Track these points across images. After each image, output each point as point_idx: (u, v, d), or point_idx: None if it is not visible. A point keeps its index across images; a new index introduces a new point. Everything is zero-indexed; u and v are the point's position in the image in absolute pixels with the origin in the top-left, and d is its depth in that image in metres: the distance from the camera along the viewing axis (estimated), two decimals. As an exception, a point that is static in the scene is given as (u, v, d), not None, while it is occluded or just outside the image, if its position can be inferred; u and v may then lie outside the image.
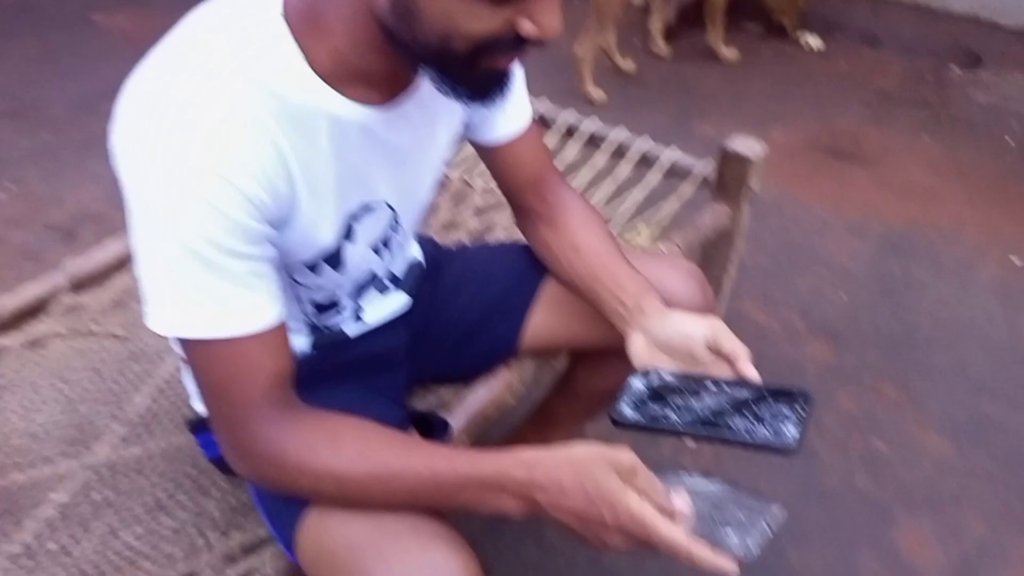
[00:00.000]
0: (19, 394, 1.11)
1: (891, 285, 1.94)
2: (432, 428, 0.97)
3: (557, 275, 1.01)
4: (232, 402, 0.72)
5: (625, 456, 0.68)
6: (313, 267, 0.82)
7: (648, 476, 0.69)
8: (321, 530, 0.77)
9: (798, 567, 1.34)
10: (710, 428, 0.71)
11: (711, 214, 1.37)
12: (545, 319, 1.06)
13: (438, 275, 1.09)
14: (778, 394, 0.73)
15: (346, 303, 0.93)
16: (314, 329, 0.94)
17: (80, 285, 1.26)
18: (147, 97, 0.65)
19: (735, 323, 1.76)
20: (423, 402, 1.10)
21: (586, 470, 0.68)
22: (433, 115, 0.84)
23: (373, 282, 0.95)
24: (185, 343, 0.70)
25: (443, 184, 1.52)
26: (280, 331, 0.73)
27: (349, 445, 0.73)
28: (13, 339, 1.18)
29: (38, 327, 1.20)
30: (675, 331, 0.83)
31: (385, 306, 1.01)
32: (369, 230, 0.85)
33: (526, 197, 1.02)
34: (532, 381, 1.10)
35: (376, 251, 0.89)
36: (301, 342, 0.94)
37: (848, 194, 2.25)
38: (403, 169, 0.85)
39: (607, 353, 0.98)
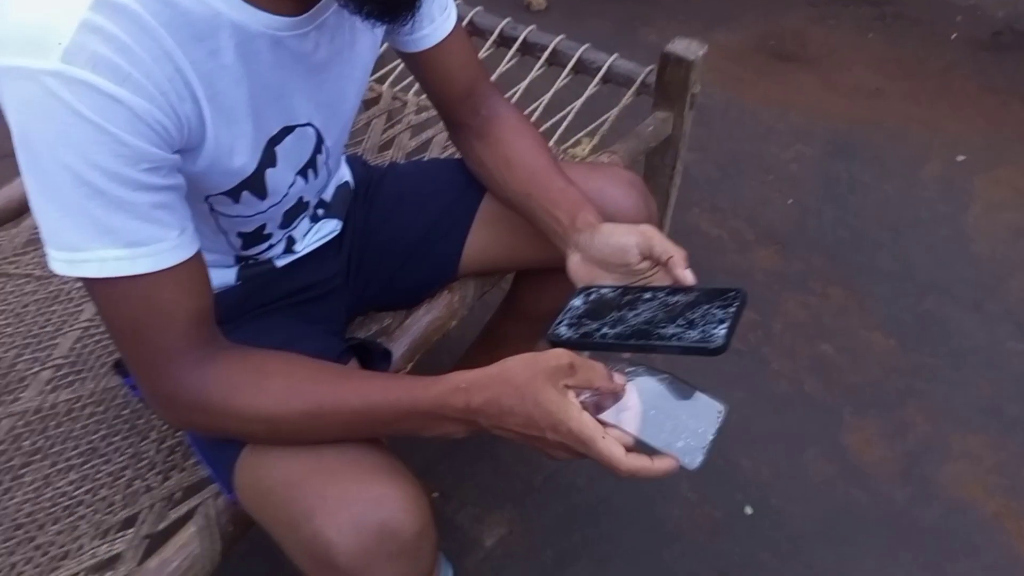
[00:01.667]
0: (-67, 344, 1.05)
1: (837, 189, 1.93)
2: (373, 358, 0.94)
3: (492, 191, 0.97)
4: (146, 347, 0.67)
5: (558, 359, 0.65)
6: (234, 195, 0.76)
7: (586, 367, 0.66)
8: (258, 468, 0.74)
9: (748, 471, 1.36)
10: (642, 339, 0.69)
11: (653, 122, 1.33)
12: (485, 239, 1.02)
13: (370, 197, 1.04)
14: (712, 296, 0.71)
15: (276, 233, 0.88)
16: (239, 260, 0.89)
17: (-10, 225, 1.18)
18: (21, 8, 0.58)
19: (683, 234, 1.77)
20: (365, 331, 1.07)
21: (524, 388, 0.65)
22: (352, 22, 0.78)
23: (304, 209, 0.90)
24: (88, 284, 0.64)
25: (375, 101, 1.45)
26: (194, 267, 0.67)
27: (277, 383, 0.69)
28: (-79, 286, 1.11)
29: (-52, 273, 1.13)
30: (607, 244, 0.80)
31: (316, 234, 0.96)
32: (292, 153, 0.80)
33: (457, 110, 0.97)
34: (475, 303, 1.07)
35: (303, 175, 0.84)
36: (227, 275, 0.89)
37: (794, 97, 2.22)
38: (324, 86, 0.79)
39: (551, 271, 0.95)
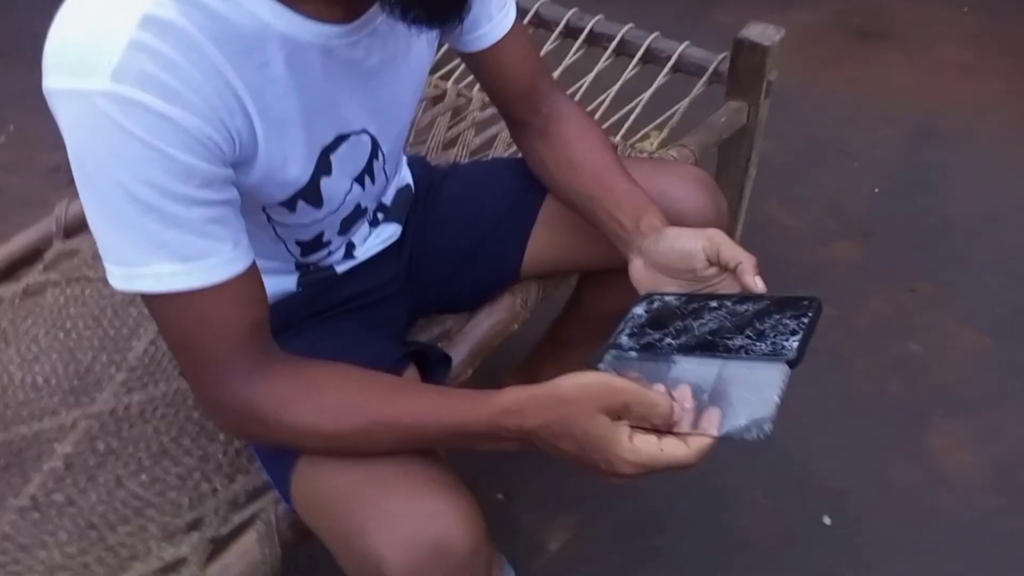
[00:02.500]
0: (18, 345, 1.09)
1: (925, 174, 1.82)
2: (432, 363, 0.93)
3: (554, 193, 0.95)
4: (201, 359, 0.67)
5: (615, 396, 0.61)
6: (289, 205, 0.76)
7: (643, 403, 0.62)
8: (313, 479, 0.74)
9: (826, 477, 1.30)
10: (707, 350, 0.66)
11: (726, 112, 1.27)
12: (547, 240, 1.00)
13: (431, 199, 1.02)
14: (784, 305, 0.67)
15: (335, 240, 0.88)
16: (300, 267, 0.90)
17: (72, 230, 1.22)
18: (71, 30, 0.58)
19: (758, 226, 1.70)
20: (426, 334, 1.06)
21: (573, 417, 0.62)
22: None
23: (362, 215, 0.89)
24: (145, 298, 0.65)
25: (439, 99, 1.44)
26: (249, 280, 0.67)
27: (329, 398, 0.69)
28: (8, 289, 1.15)
29: (33, 276, 1.17)
30: (672, 249, 0.77)
31: (376, 239, 0.95)
32: (348, 161, 0.79)
33: (518, 108, 0.94)
34: (537, 305, 1.04)
35: (359, 182, 0.83)
36: (287, 282, 0.89)
37: (878, 77, 2.11)
38: (378, 92, 0.78)
39: (615, 272, 0.92)
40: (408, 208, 1.00)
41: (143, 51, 0.57)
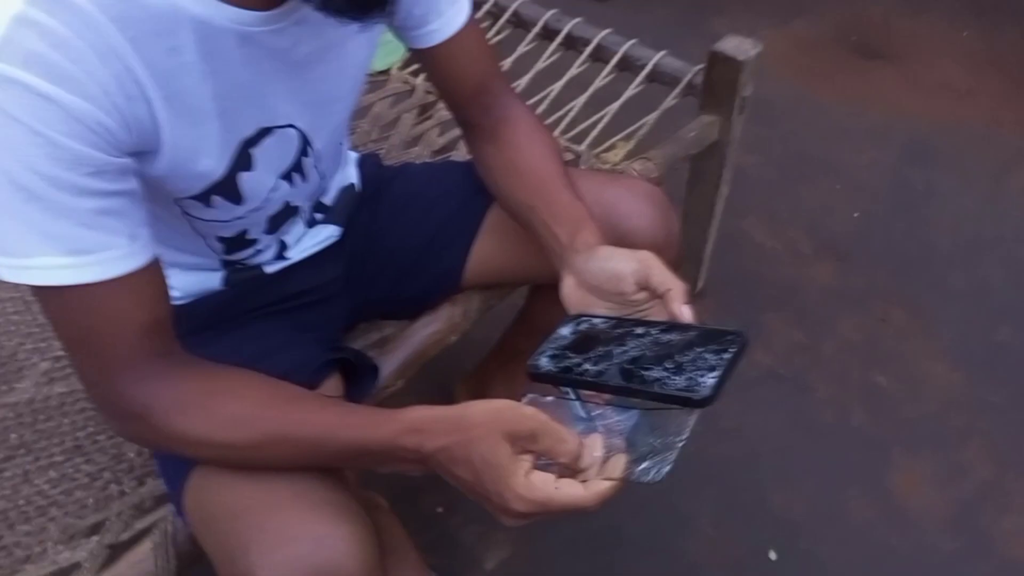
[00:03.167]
0: (-60, 328, 1.06)
1: (910, 198, 1.78)
2: (359, 372, 0.89)
3: (498, 200, 0.91)
4: (92, 358, 0.64)
5: (522, 423, 0.59)
6: (203, 200, 0.72)
7: (551, 435, 0.59)
8: (204, 491, 0.70)
9: (778, 507, 1.26)
10: (623, 380, 0.62)
11: (697, 126, 1.23)
12: (491, 249, 0.96)
13: (377, 200, 0.98)
14: (709, 337, 0.63)
15: (263, 239, 0.84)
16: (226, 264, 0.85)
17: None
18: None
19: (733, 243, 1.66)
20: (364, 340, 1.02)
21: (474, 443, 0.59)
22: None
23: (294, 214, 0.85)
24: (35, 291, 0.62)
25: (407, 94, 1.39)
26: (147, 276, 0.64)
27: (225, 407, 0.65)
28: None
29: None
30: (602, 270, 0.73)
31: (312, 240, 0.91)
32: (273, 156, 0.75)
33: (467, 109, 0.90)
34: (479, 316, 1.00)
35: (287, 179, 0.79)
36: (211, 279, 0.85)
37: (873, 95, 2.05)
38: (309, 85, 0.74)
39: (563, 286, 0.87)
40: (351, 209, 0.96)
41: (31, 27, 0.53)
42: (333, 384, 0.84)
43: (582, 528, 1.23)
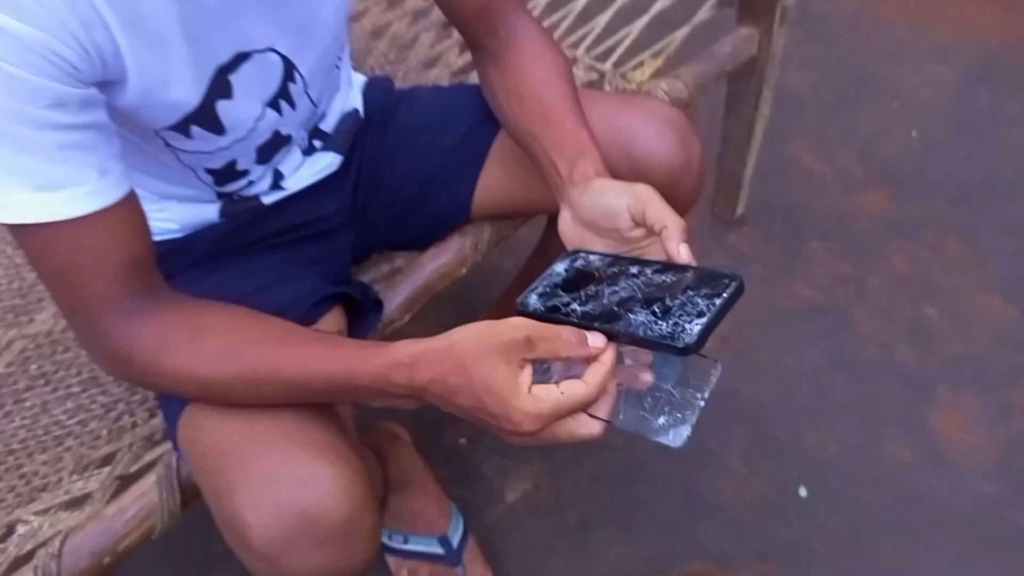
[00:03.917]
0: (-37, 258, 1.07)
1: (974, 122, 1.65)
2: (363, 307, 0.87)
3: (504, 126, 0.86)
4: (74, 296, 0.62)
5: (514, 332, 0.57)
6: (182, 130, 0.69)
7: (548, 337, 0.57)
8: (195, 429, 0.70)
9: (812, 446, 1.22)
10: (607, 322, 0.59)
11: (733, 40, 1.14)
12: (500, 178, 0.91)
13: (384, 126, 0.94)
14: (703, 280, 0.59)
15: (255, 169, 0.81)
16: (221, 196, 0.83)
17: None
18: None
19: (779, 169, 1.57)
20: (375, 272, 0.99)
21: (472, 368, 0.57)
22: None
23: (286, 143, 0.82)
24: (9, 229, 0.60)
25: (425, 13, 1.33)
26: (124, 212, 0.61)
27: (210, 343, 0.64)
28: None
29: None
30: (596, 204, 0.68)
31: (310, 169, 0.88)
32: (255, 83, 0.71)
33: (473, 29, 0.85)
34: (490, 248, 0.96)
35: (274, 107, 0.75)
36: (207, 211, 0.83)
37: (937, 9, 1.89)
38: (287, 5, 0.69)
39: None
40: (353, 136, 0.92)
41: None
42: (333, 319, 0.82)
43: (605, 463, 1.21)
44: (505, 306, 1.27)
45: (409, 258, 0.98)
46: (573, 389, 0.57)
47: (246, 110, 0.72)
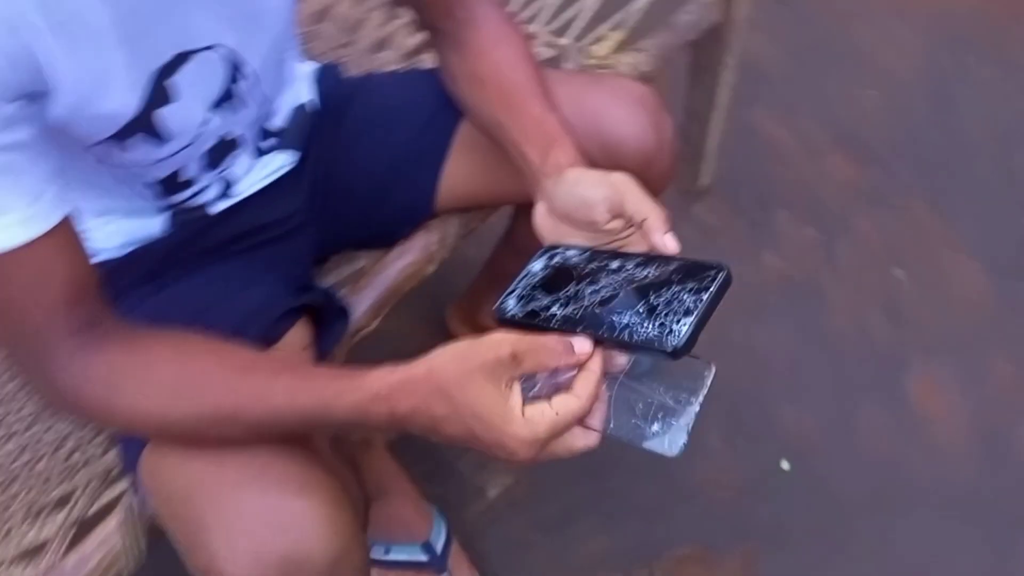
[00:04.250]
0: None
1: (937, 84, 1.63)
2: (328, 315, 0.81)
3: (467, 114, 0.81)
4: (10, 332, 0.57)
5: (497, 350, 0.52)
6: (119, 143, 0.63)
7: (533, 351, 0.53)
8: (159, 467, 0.64)
9: (789, 421, 1.21)
10: (591, 327, 0.55)
11: (695, 8, 1.09)
12: (464, 169, 0.86)
13: (338, 118, 0.88)
14: (688, 273, 0.56)
15: (203, 177, 0.75)
16: (168, 207, 0.77)
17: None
18: None
19: (741, 137, 1.53)
20: (336, 274, 0.93)
21: (457, 395, 0.52)
22: None
23: (235, 147, 0.75)
24: None
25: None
26: (62, 238, 0.56)
27: (166, 380, 0.59)
28: None
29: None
30: (570, 196, 0.64)
31: (263, 171, 0.82)
32: (198, 84, 0.65)
33: (430, 12, 0.80)
34: (458, 243, 0.91)
35: (220, 109, 0.69)
36: (151, 225, 0.77)
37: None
38: None
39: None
40: (306, 131, 0.85)
41: None
42: (299, 333, 0.77)
43: (584, 455, 1.18)
44: (472, 299, 1.23)
45: (373, 257, 0.93)
46: (566, 406, 0.53)
47: (191, 114, 0.66)
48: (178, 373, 0.59)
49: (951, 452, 1.17)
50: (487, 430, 0.52)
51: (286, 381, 0.58)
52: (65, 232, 0.56)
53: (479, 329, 1.24)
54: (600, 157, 0.77)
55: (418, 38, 1.16)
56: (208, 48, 0.64)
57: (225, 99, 0.69)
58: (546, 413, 0.53)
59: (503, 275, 1.12)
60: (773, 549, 1.10)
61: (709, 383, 0.56)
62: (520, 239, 1.04)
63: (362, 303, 0.85)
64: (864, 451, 1.18)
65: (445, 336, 1.26)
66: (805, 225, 1.42)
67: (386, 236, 0.91)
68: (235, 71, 0.68)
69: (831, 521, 1.12)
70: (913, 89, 1.63)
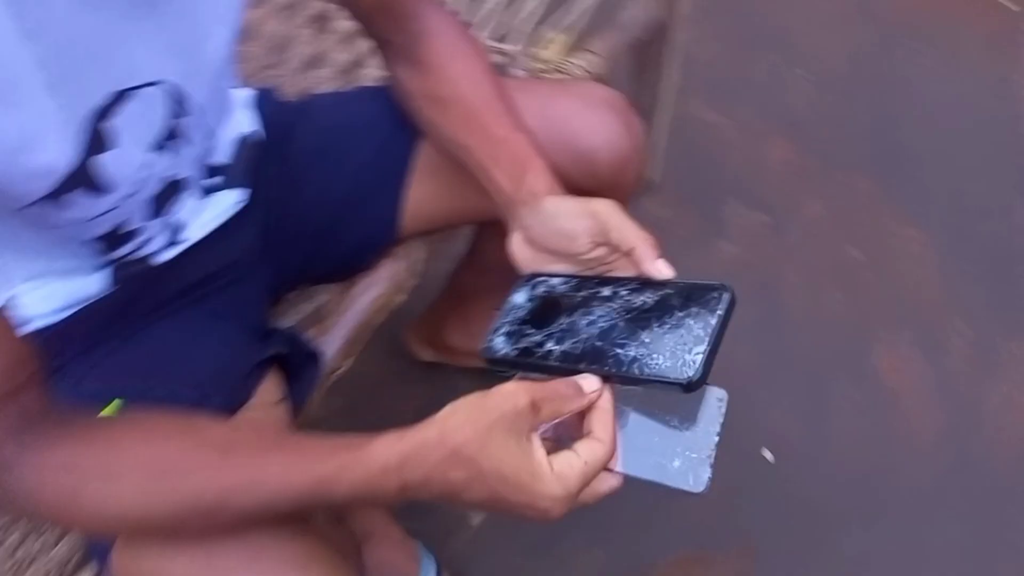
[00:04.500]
0: None
1: (863, 58, 1.66)
2: (297, 361, 0.75)
3: (427, 135, 0.76)
4: None
5: (515, 401, 0.48)
6: (55, 201, 0.56)
7: (548, 395, 0.50)
8: (136, 558, 0.57)
9: (764, 409, 1.20)
10: (595, 362, 0.52)
11: (640, 5, 1.07)
12: (427, 191, 0.81)
13: (285, 146, 0.82)
14: (688, 296, 0.53)
15: (148, 227, 0.68)
16: (111, 262, 0.69)
17: None
18: None
19: (682, 128, 1.52)
20: (295, 314, 0.87)
21: (477, 457, 0.47)
22: None
23: (181, 189, 0.68)
24: None
25: (297, 5, 1.18)
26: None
27: (136, 472, 0.51)
28: None
29: None
30: (549, 229, 0.61)
31: (212, 212, 0.75)
32: (140, 126, 0.58)
33: (379, 25, 0.74)
34: (426, 268, 0.87)
35: (167, 148, 0.62)
36: (89, 284, 0.69)
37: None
38: (170, 24, 0.57)
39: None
40: (253, 164, 0.79)
41: None
42: (270, 388, 0.70)
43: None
44: (434, 319, 1.18)
45: (334, 292, 0.87)
46: (593, 453, 0.50)
47: (132, 159, 0.59)
48: (149, 462, 0.51)
49: (926, 421, 1.18)
50: (516, 491, 0.48)
51: (277, 460, 0.51)
52: (3, 320, 0.49)
53: (443, 349, 1.21)
54: (572, 167, 0.74)
55: (353, 51, 1.10)
56: (150, 84, 0.57)
57: (169, 138, 0.62)
58: (574, 464, 0.49)
59: (468, 293, 1.09)
60: (769, 543, 1.09)
61: (725, 409, 0.54)
62: (484, 256, 1.00)
63: (332, 343, 0.79)
64: (841, 431, 1.18)
65: (410, 362, 1.21)
66: (755, 211, 1.42)
67: (347, 269, 0.85)
68: (178, 106, 0.61)
69: (822, 504, 1.11)
70: (842, 68, 1.65)
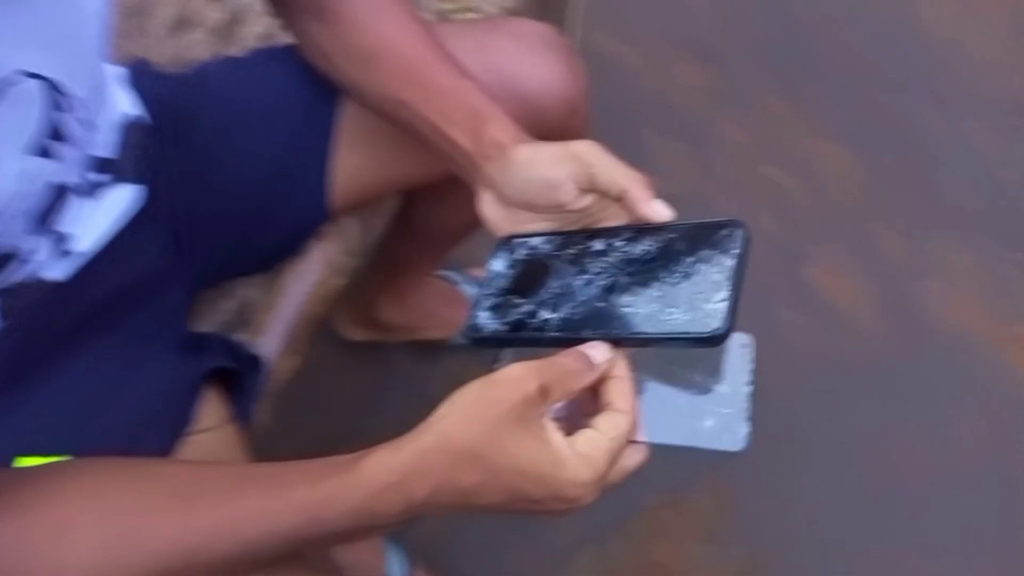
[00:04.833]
0: None
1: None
2: (237, 370, 0.66)
3: (351, 96, 0.67)
4: None
5: (522, 387, 0.42)
6: None
7: (559, 376, 0.44)
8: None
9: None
10: (601, 327, 0.46)
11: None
12: (358, 161, 0.73)
13: (183, 129, 0.71)
14: (695, 237, 0.48)
15: (28, 243, 0.56)
16: (-4, 295, 0.57)
17: None
18: None
19: (589, 62, 1.45)
20: (218, 315, 0.77)
21: (489, 455, 0.42)
22: None
23: (65, 194, 0.57)
24: None
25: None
26: None
27: (94, 537, 0.43)
28: None
29: None
30: (527, 182, 0.54)
31: (106, 215, 0.64)
32: (12, 129, 0.47)
33: None
34: (365, 246, 0.78)
35: (44, 152, 0.51)
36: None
37: None
38: (40, 11, 0.47)
39: (449, 183, 0.66)
40: (146, 151, 0.67)
41: None
42: (213, 406, 0.61)
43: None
44: (366, 296, 1.08)
45: (257, 284, 0.77)
46: (615, 427, 0.44)
47: (6, 168, 0.48)
48: (109, 524, 0.43)
49: (871, 331, 1.20)
50: (538, 485, 0.42)
51: (253, 497, 0.44)
52: None
53: (377, 327, 1.12)
54: (517, 115, 0.66)
55: (228, 10, 0.97)
56: (21, 78, 0.46)
57: (49, 137, 0.51)
58: (598, 442, 0.43)
59: (399, 264, 1.01)
60: (739, 475, 1.08)
61: (753, 356, 0.49)
62: (416, 222, 0.91)
63: (272, 343, 0.71)
64: (793, 352, 1.18)
65: (345, 346, 1.12)
66: (672, 139, 1.39)
67: (274, 258, 0.76)
68: (57, 101, 0.50)
69: (788, 432, 1.11)
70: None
